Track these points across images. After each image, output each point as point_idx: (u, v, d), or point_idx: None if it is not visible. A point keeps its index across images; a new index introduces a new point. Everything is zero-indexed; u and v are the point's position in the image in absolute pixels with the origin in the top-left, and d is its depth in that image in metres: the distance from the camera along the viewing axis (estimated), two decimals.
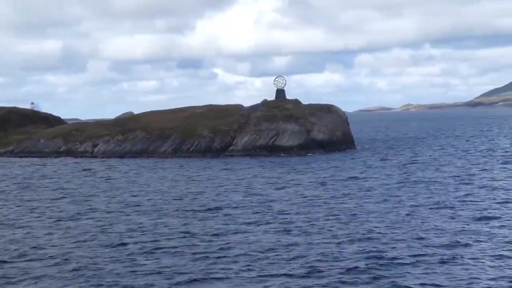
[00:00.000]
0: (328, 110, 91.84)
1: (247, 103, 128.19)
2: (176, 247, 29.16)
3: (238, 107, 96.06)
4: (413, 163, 67.25)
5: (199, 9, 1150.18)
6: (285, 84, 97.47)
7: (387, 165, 65.16)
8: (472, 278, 23.36)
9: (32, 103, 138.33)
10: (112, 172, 65.82)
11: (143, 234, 32.35)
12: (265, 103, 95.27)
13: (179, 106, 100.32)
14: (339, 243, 29.18)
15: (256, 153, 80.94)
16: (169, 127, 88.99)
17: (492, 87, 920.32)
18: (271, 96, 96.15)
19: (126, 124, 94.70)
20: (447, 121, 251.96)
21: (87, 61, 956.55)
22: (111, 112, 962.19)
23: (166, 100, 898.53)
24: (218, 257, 27.02)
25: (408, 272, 24.10)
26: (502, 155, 73.70)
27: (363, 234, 30.87)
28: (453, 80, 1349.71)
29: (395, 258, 26.07)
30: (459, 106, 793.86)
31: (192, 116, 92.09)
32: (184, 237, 31.43)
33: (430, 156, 76.06)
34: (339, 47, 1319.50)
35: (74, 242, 30.95)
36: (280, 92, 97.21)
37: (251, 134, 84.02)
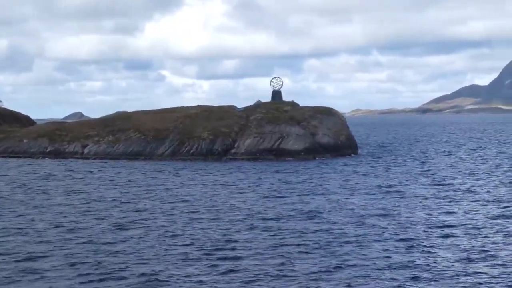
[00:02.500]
0: (328, 113, 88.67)
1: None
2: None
3: (233, 108, 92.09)
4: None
5: (147, 11, 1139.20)
6: (282, 85, 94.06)
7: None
8: None
9: (0, 101, 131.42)
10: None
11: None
12: (261, 104, 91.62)
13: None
14: None
15: (262, 156, 77.24)
16: (164, 128, 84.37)
17: (438, 94, 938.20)
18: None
19: (115, 124, 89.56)
20: (414, 126, 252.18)
21: (33, 60, 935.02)
22: (58, 112, 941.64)
23: (114, 101, 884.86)
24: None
25: None
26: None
27: None
28: (400, 86, 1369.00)
29: None
30: (409, 112, 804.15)
31: (186, 117, 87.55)
32: None
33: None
34: (287, 52, 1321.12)
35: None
36: (276, 94, 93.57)
37: (254, 137, 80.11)
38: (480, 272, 24.80)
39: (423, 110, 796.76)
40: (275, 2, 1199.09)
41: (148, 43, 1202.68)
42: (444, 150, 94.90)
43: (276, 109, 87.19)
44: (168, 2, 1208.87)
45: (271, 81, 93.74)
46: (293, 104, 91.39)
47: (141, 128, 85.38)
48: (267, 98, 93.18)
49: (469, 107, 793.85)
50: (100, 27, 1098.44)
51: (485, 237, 31.20)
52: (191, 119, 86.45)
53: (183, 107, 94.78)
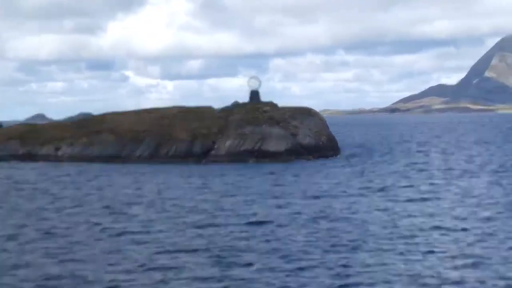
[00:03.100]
0: (308, 113, 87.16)
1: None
2: None
3: (210, 109, 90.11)
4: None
5: (110, 10, 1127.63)
6: (260, 85, 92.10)
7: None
8: None
9: None
10: None
11: None
12: (238, 105, 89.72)
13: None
14: None
15: (243, 158, 75.30)
16: (141, 129, 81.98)
17: (405, 94, 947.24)
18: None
19: (89, 126, 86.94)
20: (387, 126, 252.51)
21: None
22: (19, 114, 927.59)
23: (77, 102, 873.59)
24: None
25: None
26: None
27: None
28: (367, 86, 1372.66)
29: None
30: (377, 112, 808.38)
31: (164, 118, 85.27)
32: None
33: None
34: (252, 51, 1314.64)
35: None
36: (254, 94, 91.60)
37: (234, 138, 78.11)
38: (485, 275, 24.01)
39: (392, 109, 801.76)
40: (240, 2, 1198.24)
41: (110, 42, 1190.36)
42: (426, 150, 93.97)
43: (256, 109, 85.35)
44: (131, 1, 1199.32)
45: (248, 80, 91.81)
46: (272, 105, 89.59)
47: (116, 129, 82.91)
48: (235, 98, 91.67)
49: (437, 106, 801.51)
50: (61, 26, 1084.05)
51: (485, 240, 30.06)
52: (168, 120, 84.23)
53: (159, 108, 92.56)
